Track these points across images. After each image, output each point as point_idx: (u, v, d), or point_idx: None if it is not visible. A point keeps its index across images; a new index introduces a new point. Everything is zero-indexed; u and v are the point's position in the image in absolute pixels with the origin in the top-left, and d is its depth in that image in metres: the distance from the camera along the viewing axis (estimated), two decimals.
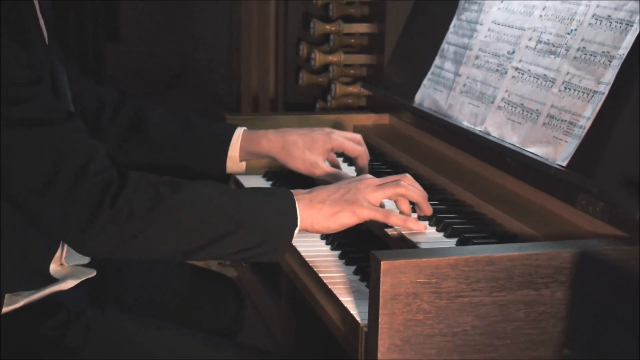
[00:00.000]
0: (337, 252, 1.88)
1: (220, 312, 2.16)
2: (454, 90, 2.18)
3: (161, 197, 1.60)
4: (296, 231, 1.70)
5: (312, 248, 1.91)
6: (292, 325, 2.90)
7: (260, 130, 2.10)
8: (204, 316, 2.12)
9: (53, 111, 1.59)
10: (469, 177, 2.01)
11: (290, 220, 1.69)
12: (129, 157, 2.07)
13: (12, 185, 1.56)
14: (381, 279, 1.42)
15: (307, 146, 2.03)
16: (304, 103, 2.93)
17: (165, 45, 5.67)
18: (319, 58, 2.68)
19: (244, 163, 2.10)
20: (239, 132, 2.07)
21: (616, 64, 1.68)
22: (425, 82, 2.31)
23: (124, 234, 1.57)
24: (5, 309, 1.71)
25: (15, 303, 1.73)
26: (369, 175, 1.80)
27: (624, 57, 1.67)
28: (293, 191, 1.74)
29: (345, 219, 1.72)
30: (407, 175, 1.80)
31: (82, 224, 1.55)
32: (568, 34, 1.84)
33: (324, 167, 2.03)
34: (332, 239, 1.93)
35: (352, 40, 2.71)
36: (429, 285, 1.44)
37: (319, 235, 1.96)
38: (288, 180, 2.30)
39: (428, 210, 1.80)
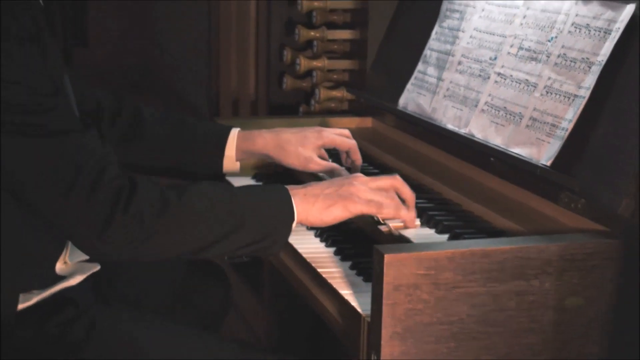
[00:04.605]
0: (332, 249, 1.97)
1: (209, 301, 2.26)
2: (437, 94, 2.29)
3: (168, 201, 1.69)
4: (293, 225, 1.80)
5: (307, 245, 2.00)
6: (275, 323, 2.99)
7: (255, 130, 2.20)
8: (194, 306, 2.22)
9: (71, 121, 1.67)
10: (455, 178, 2.12)
11: (287, 215, 1.79)
12: (126, 159, 2.15)
13: (32, 192, 1.63)
14: (384, 271, 1.52)
15: (300, 143, 2.14)
16: (287, 107, 3.02)
17: (132, 48, 5.69)
18: (303, 63, 2.78)
19: (238, 162, 2.20)
20: (235, 132, 2.18)
21: (596, 69, 1.80)
22: (408, 86, 2.42)
23: (136, 237, 1.65)
24: (20, 306, 1.79)
25: (28, 301, 1.80)
26: (361, 175, 1.90)
27: (603, 63, 1.78)
28: (288, 187, 1.84)
29: (338, 212, 1.82)
30: (397, 176, 1.91)
31: (98, 230, 1.63)
32: (548, 41, 1.96)
33: (318, 161, 2.14)
34: (326, 237, 2.02)
35: (335, 46, 2.82)
36: (428, 277, 1.54)
37: (312, 233, 2.06)
38: (276, 181, 2.40)
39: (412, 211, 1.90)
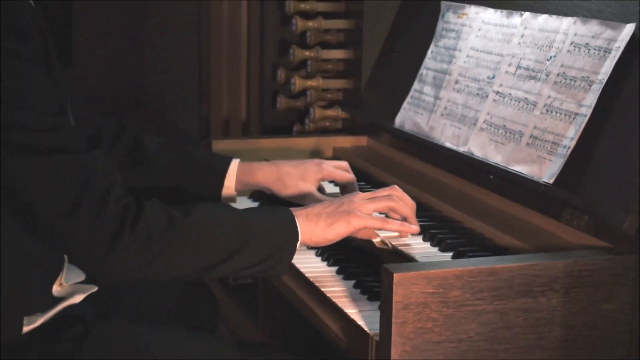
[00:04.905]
0: (335, 268, 1.98)
1: (200, 315, 2.27)
2: (434, 113, 2.30)
3: (175, 221, 1.70)
4: (297, 245, 1.81)
5: (309, 264, 2.00)
6: (273, 341, 2.98)
7: (255, 162, 2.20)
8: (189, 319, 2.23)
9: (76, 140, 1.67)
10: (454, 195, 2.13)
11: (291, 235, 1.81)
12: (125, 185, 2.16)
13: (37, 212, 1.63)
14: (394, 290, 1.53)
15: (300, 176, 2.15)
16: (280, 127, 3.03)
17: (120, 69, 5.66)
18: (298, 83, 2.80)
19: (236, 192, 2.21)
20: (235, 163, 2.18)
21: (596, 88, 1.82)
22: (405, 105, 2.43)
23: (143, 256, 1.65)
24: (24, 329, 1.78)
25: (32, 323, 1.79)
26: (360, 192, 1.92)
27: (604, 81, 1.80)
28: (291, 208, 1.85)
29: (341, 229, 1.84)
30: (396, 187, 1.93)
31: (105, 249, 1.63)
32: (547, 60, 1.98)
33: (317, 195, 2.15)
34: (328, 256, 2.03)
35: (329, 66, 2.83)
36: (437, 295, 1.55)
37: (313, 252, 2.07)
38: (273, 200, 2.41)
39: (415, 224, 1.91)
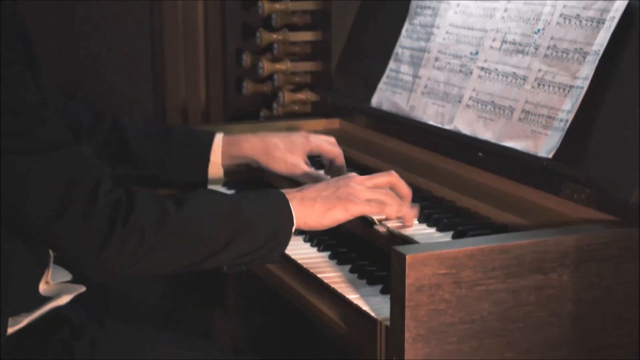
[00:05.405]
0: (326, 253, 1.93)
1: (197, 313, 2.21)
2: (414, 92, 2.26)
3: (167, 211, 1.63)
4: (293, 229, 1.75)
5: (298, 251, 1.95)
6: (244, 336, 2.93)
7: (240, 135, 2.14)
8: (184, 319, 2.16)
9: (62, 134, 1.60)
10: (443, 175, 2.09)
11: (287, 220, 1.75)
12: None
13: (27, 212, 1.55)
14: (406, 272, 1.48)
15: (288, 148, 2.10)
16: (245, 113, 2.95)
17: (64, 64, 5.54)
18: (266, 67, 2.73)
19: (222, 169, 2.14)
20: (219, 137, 2.12)
21: (591, 59, 1.79)
22: (381, 85, 2.38)
23: (137, 251, 1.59)
24: (9, 330, 1.70)
25: (17, 324, 1.72)
26: (355, 174, 1.86)
27: (600, 52, 1.77)
28: (284, 190, 1.79)
29: (338, 215, 1.78)
30: (393, 172, 1.88)
31: (98, 245, 1.56)
32: (535, 33, 1.94)
33: (305, 168, 2.10)
34: (318, 242, 1.97)
35: (297, 49, 2.77)
36: (449, 276, 1.51)
37: (301, 238, 2.01)
38: (249, 187, 2.34)
39: (413, 207, 1.87)
